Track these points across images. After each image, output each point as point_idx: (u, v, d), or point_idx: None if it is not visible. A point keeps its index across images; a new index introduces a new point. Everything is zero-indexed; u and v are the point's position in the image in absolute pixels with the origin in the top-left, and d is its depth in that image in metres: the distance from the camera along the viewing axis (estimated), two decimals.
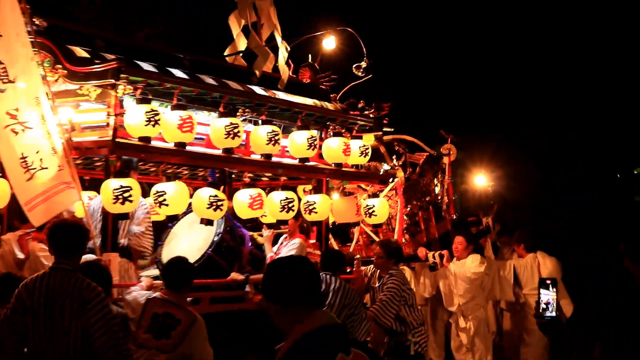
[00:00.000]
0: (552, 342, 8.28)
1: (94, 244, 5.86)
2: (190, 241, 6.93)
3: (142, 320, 5.15)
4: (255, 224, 7.46)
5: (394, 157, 8.55)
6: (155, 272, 6.90)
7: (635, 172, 21.03)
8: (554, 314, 7.83)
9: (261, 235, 7.39)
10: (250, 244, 7.15)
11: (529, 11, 18.35)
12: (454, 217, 8.86)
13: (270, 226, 7.24)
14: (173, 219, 6.64)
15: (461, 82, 17.56)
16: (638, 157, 20.30)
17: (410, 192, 8.48)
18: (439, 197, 8.79)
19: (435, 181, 8.83)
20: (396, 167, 8.43)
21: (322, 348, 2.70)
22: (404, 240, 8.33)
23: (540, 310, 7.86)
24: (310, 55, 8.42)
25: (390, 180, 8.31)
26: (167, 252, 6.80)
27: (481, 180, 12.97)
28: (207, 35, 13.85)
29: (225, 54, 7.84)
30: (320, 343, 2.72)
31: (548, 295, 7.90)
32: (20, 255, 6.22)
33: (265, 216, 7.18)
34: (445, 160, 8.91)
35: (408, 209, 8.46)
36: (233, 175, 7.94)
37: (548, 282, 7.94)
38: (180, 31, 13.33)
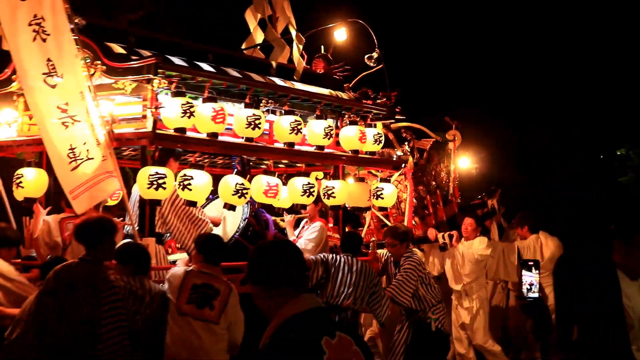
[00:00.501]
0: (535, 323, 8.63)
1: (133, 229, 6.23)
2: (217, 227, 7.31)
3: (182, 291, 5.51)
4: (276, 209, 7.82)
5: (405, 144, 8.93)
6: (183, 255, 7.28)
7: (618, 153, 21.30)
8: (536, 295, 8.22)
9: (283, 220, 7.77)
10: (273, 228, 7.55)
11: (536, 7, 18.77)
12: (459, 200, 9.26)
13: (290, 211, 7.62)
14: (192, 205, 6.84)
15: (466, 71, 17.92)
16: (620, 138, 20.59)
17: (418, 176, 8.86)
18: (445, 182, 9.18)
19: (442, 166, 9.22)
20: (405, 153, 8.80)
21: (308, 330, 2.72)
22: (414, 223, 8.72)
23: (523, 292, 8.29)
24: (322, 47, 8.76)
25: (401, 167, 8.68)
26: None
27: (465, 162, 13.25)
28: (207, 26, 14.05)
29: (243, 47, 8.18)
30: (306, 325, 2.73)
31: (531, 277, 8.26)
32: (57, 238, 6.51)
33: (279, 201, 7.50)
34: (451, 145, 9.31)
35: (416, 193, 8.85)
36: (251, 163, 8.29)
37: (530, 263, 8.26)
38: (183, 31, 13.40)
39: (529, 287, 8.09)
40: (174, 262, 6.71)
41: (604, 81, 18.60)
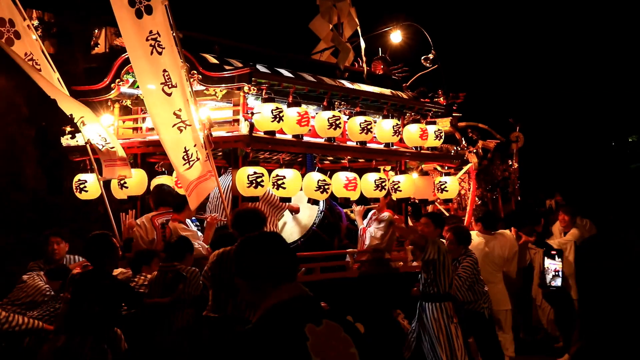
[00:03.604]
0: (557, 312, 8.92)
1: (228, 222, 6.82)
2: (295, 219, 7.92)
3: None
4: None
5: (472, 143, 9.43)
6: None
7: (630, 140, 21.58)
8: (559, 283, 8.53)
9: (352, 212, 8.36)
10: (346, 220, 8.16)
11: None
12: (519, 199, 9.74)
13: (359, 202, 8.21)
14: (286, 201, 7.44)
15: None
16: (631, 125, 20.92)
17: (482, 176, 9.39)
18: (507, 180, 9.68)
19: (505, 165, 9.72)
20: (470, 152, 9.34)
21: (290, 317, 2.73)
22: (472, 222, 9.26)
23: (547, 281, 8.60)
24: (380, 49, 9.35)
25: (461, 162, 9.23)
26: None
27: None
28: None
29: (313, 52, 8.77)
30: (289, 314, 2.74)
31: (554, 265, 8.56)
32: (153, 235, 7.08)
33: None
34: (514, 146, 9.81)
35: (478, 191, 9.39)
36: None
37: (553, 252, 8.60)
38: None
39: (551, 276, 8.46)
40: None
41: (617, 69, 18.94)
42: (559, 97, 19.69)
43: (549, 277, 8.37)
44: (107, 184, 7.28)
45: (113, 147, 6.65)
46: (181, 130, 6.20)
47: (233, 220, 5.74)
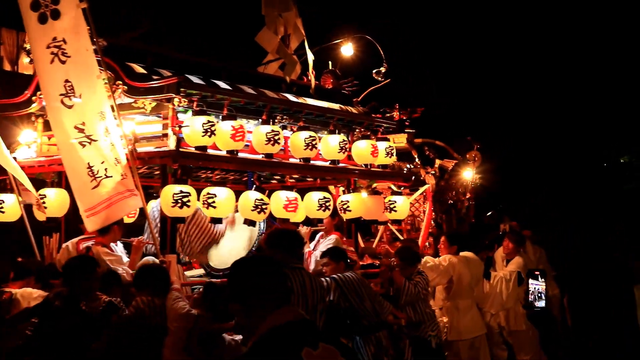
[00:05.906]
0: (542, 333, 8.66)
1: (155, 246, 6.30)
2: (233, 241, 7.36)
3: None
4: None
5: (429, 161, 9.01)
6: (200, 271, 7.37)
7: (622, 161, 21.34)
8: (543, 304, 8.28)
9: None
10: None
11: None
12: (473, 220, 9.32)
13: (306, 223, 7.71)
14: (217, 222, 6.91)
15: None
16: (624, 146, 20.64)
17: (437, 198, 8.94)
18: (461, 201, 9.24)
19: (458, 184, 9.27)
20: (428, 173, 8.88)
21: (287, 343, 2.69)
22: (427, 245, 8.80)
23: (530, 301, 8.34)
24: (330, 62, 8.90)
25: (412, 180, 8.76)
26: (214, 253, 7.29)
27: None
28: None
29: (262, 63, 8.30)
30: (285, 338, 2.71)
31: (537, 286, 8.34)
32: None
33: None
34: (471, 166, 9.36)
35: (434, 214, 8.94)
36: (262, 178, 8.39)
37: (536, 272, 8.37)
38: (182, 47, 13.47)
39: (535, 297, 8.18)
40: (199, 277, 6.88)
41: (607, 86, 18.62)
42: (534, 114, 19.28)
43: (532, 298, 8.13)
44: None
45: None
46: (84, 145, 5.67)
47: (267, 241, 5.36)
